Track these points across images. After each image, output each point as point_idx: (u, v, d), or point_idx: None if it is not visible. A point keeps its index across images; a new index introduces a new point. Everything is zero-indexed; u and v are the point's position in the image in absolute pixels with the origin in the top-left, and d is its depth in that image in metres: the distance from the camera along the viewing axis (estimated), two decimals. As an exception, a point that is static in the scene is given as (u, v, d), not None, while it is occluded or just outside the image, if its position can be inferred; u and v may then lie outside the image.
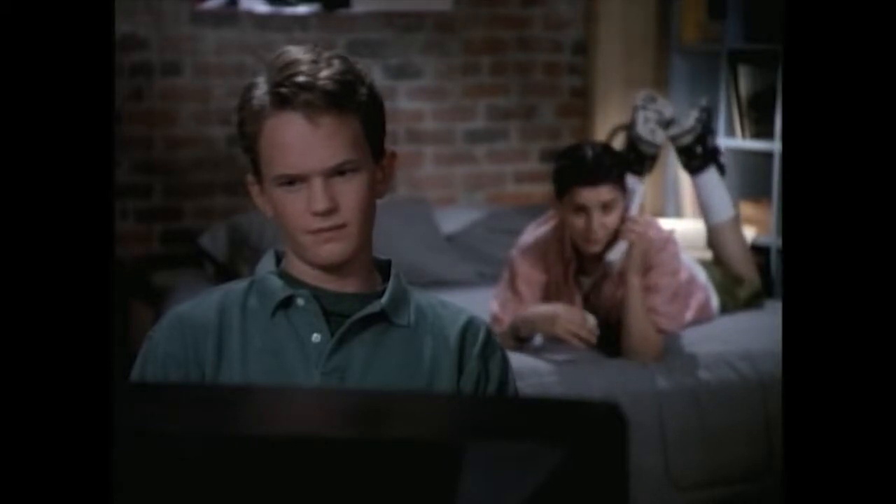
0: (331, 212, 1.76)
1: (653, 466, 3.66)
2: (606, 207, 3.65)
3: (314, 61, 1.75)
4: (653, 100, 4.49)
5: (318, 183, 1.75)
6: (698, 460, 3.73)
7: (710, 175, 4.54)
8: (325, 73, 1.75)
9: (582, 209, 3.65)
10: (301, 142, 1.74)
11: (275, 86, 1.75)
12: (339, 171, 1.76)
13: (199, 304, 1.85)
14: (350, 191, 1.77)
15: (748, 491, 3.79)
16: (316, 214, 1.76)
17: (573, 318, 3.65)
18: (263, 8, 5.20)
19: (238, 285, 1.87)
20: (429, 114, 5.43)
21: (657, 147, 4.49)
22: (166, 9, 5.08)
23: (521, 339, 3.76)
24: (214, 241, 4.93)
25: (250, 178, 1.85)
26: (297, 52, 1.77)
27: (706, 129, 4.56)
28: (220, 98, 5.17)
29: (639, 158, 4.41)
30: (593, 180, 3.62)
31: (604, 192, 3.64)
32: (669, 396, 3.71)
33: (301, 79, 1.74)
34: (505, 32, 5.56)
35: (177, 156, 5.16)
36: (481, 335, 1.87)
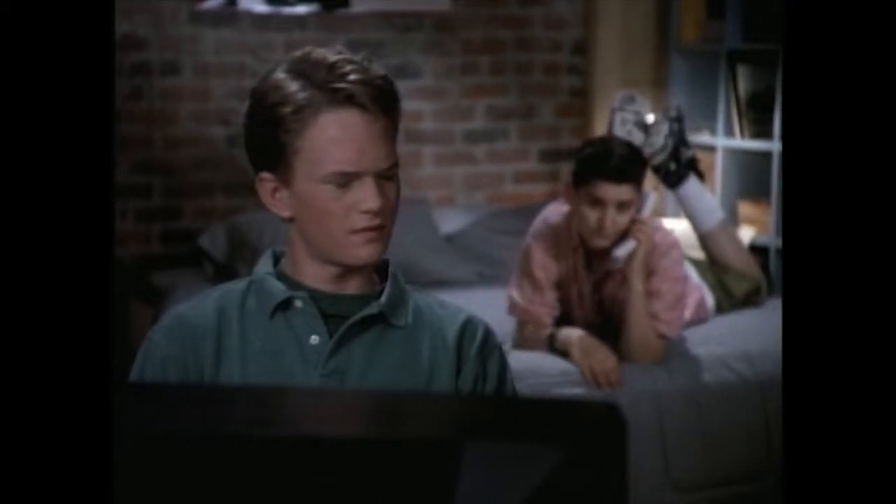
0: (380, 211, 1.77)
1: (652, 467, 3.67)
2: (622, 206, 3.63)
3: (354, 61, 1.76)
4: (631, 100, 4.45)
5: (371, 182, 1.75)
6: (698, 461, 3.73)
7: (691, 185, 4.50)
8: (376, 74, 1.77)
9: (599, 203, 3.63)
10: (361, 140, 1.74)
11: (328, 82, 1.74)
12: (387, 172, 1.78)
13: (197, 304, 1.85)
14: (391, 193, 1.79)
15: (748, 492, 3.79)
16: (366, 213, 1.76)
17: (604, 362, 3.66)
18: (262, 8, 5.20)
19: (236, 286, 1.87)
20: (428, 114, 5.43)
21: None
22: (165, 9, 5.08)
23: (553, 349, 3.77)
24: (214, 240, 4.93)
25: (267, 175, 1.81)
26: (330, 52, 1.77)
27: (679, 142, 4.51)
28: (219, 98, 5.17)
29: None
30: (618, 177, 3.61)
31: (625, 192, 3.62)
32: (669, 397, 3.71)
33: (358, 76, 1.74)
34: (504, 32, 5.56)
35: (176, 156, 5.16)
36: (479, 335, 1.87)
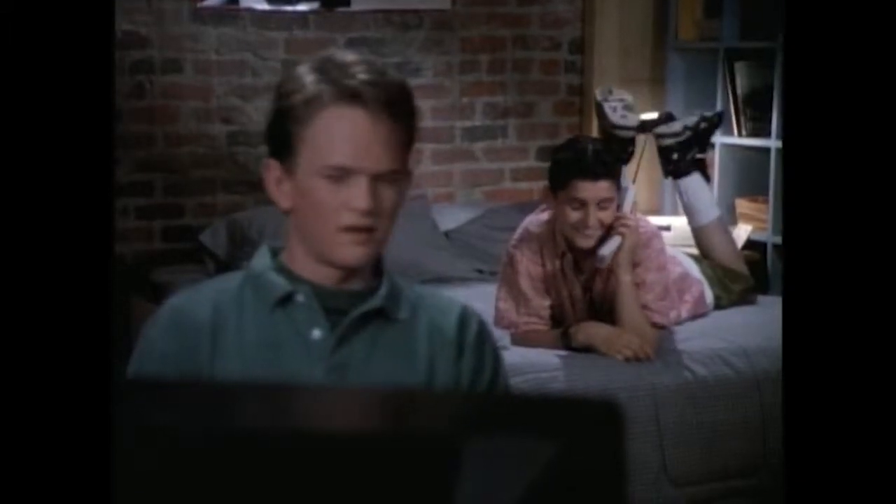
0: (370, 212, 1.77)
1: (649, 462, 3.67)
2: (603, 203, 3.64)
3: (373, 64, 1.79)
4: (610, 91, 4.47)
5: (365, 181, 1.76)
6: (695, 455, 3.73)
7: (693, 180, 4.49)
8: (389, 79, 1.79)
9: (579, 203, 3.64)
10: (361, 138, 1.76)
11: (339, 78, 1.76)
12: (386, 176, 1.78)
13: (192, 299, 1.85)
14: (389, 197, 1.79)
15: (744, 486, 3.79)
16: (355, 211, 1.77)
17: (630, 342, 3.67)
18: (263, 6, 5.21)
19: (231, 283, 1.87)
20: (427, 111, 5.44)
21: (633, 129, 4.44)
22: (167, 7, 5.09)
23: (569, 347, 3.77)
24: (215, 237, 4.94)
25: (273, 163, 1.83)
26: (352, 54, 1.81)
27: (695, 140, 4.50)
28: (220, 95, 5.18)
29: (619, 147, 4.36)
30: (594, 175, 3.61)
31: (602, 188, 3.63)
32: (666, 392, 3.71)
33: (368, 76, 1.76)
34: (503, 30, 5.57)
35: (178, 153, 5.17)
36: (475, 325, 1.89)
